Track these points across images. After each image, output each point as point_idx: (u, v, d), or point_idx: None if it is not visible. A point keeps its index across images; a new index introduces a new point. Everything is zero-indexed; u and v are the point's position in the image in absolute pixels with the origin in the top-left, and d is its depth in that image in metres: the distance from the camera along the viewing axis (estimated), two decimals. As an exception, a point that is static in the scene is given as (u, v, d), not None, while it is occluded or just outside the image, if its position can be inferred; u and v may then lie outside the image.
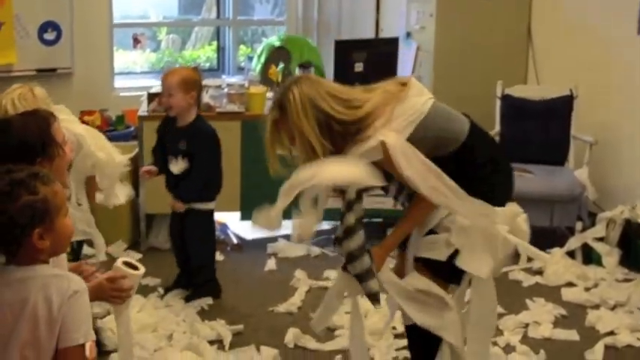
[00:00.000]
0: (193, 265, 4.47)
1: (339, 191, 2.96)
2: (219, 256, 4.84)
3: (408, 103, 2.92)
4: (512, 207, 3.02)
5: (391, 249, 3.06)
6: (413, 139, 2.85)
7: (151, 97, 5.06)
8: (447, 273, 2.99)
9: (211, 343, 3.90)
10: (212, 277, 4.51)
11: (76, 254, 3.94)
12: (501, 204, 2.98)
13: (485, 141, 3.10)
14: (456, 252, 2.93)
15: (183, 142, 4.26)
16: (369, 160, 2.82)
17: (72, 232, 2.16)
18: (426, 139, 2.88)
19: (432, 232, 2.98)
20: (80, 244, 4.12)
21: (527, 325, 4.13)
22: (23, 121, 2.48)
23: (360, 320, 3.19)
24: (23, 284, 2.05)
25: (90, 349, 2.18)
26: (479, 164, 2.98)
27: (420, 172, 2.79)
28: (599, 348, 3.87)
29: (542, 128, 5.54)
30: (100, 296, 2.45)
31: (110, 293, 2.45)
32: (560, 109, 5.53)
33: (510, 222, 2.96)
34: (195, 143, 4.26)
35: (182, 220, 4.42)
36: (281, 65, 5.63)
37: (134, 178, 4.95)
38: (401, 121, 2.87)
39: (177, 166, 4.26)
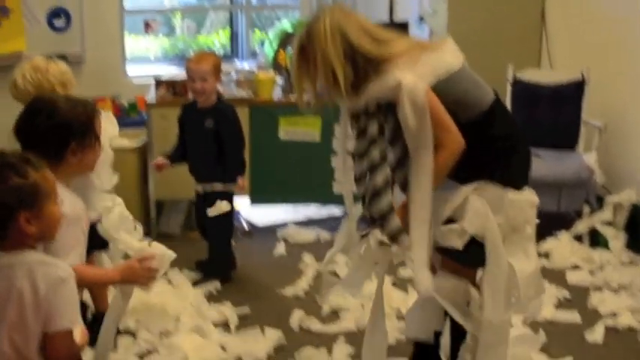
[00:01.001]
0: (211, 247, 4.56)
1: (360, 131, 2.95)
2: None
3: (439, 54, 2.87)
4: (528, 193, 2.97)
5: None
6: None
7: (159, 84, 5.09)
8: (471, 259, 2.95)
9: (217, 325, 3.95)
10: (227, 261, 4.59)
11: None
12: (516, 186, 2.93)
13: (506, 118, 3.04)
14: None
15: (210, 121, 4.33)
16: (384, 100, 2.79)
17: (59, 220, 2.18)
18: (447, 98, 2.79)
19: (451, 221, 2.93)
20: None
21: (530, 307, 4.14)
22: (71, 103, 2.52)
23: (381, 300, 3.20)
24: (10, 269, 2.09)
25: (81, 335, 2.24)
26: (496, 136, 2.91)
27: (423, 132, 2.75)
28: (599, 329, 3.88)
29: (553, 113, 5.52)
30: (130, 277, 2.52)
31: (140, 273, 2.51)
32: (571, 93, 5.50)
33: (517, 210, 2.92)
34: (222, 121, 4.34)
35: (205, 203, 4.47)
36: (290, 49, 5.65)
37: (143, 165, 5.00)
38: (426, 68, 2.80)
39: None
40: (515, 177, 2.95)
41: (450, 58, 2.88)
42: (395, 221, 2.85)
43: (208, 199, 4.42)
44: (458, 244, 2.90)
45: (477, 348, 2.98)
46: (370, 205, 2.89)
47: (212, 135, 4.34)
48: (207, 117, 4.33)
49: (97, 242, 3.34)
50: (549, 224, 4.68)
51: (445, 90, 2.80)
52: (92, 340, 2.54)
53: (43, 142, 2.45)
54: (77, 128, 2.48)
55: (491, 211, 2.87)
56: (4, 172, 2.05)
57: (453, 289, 2.98)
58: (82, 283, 2.42)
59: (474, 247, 2.89)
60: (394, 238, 2.86)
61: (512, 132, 3.01)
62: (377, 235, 2.91)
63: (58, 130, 2.45)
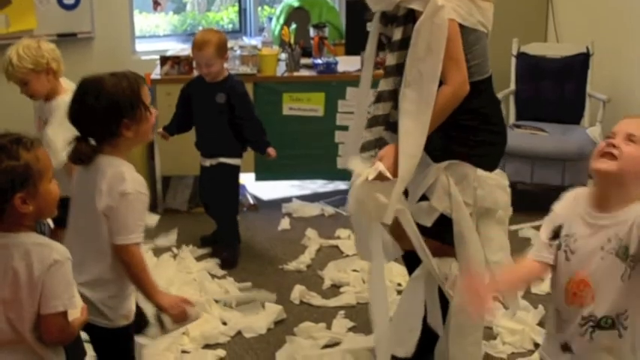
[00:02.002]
0: (218, 222, 4.62)
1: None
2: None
3: (481, 6, 2.88)
4: (498, 176, 3.00)
5: None
6: None
7: (164, 60, 5.13)
8: (446, 235, 2.98)
9: (219, 300, 4.01)
10: (235, 235, 4.62)
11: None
12: (486, 168, 2.96)
13: (492, 99, 3.05)
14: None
15: (221, 95, 4.34)
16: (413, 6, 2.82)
17: (57, 196, 2.20)
18: None
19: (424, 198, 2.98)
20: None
21: (531, 281, 4.16)
22: (115, 80, 2.51)
23: (382, 270, 3.13)
24: (6, 250, 2.12)
25: (82, 311, 2.28)
26: (475, 110, 2.92)
27: (432, 58, 2.76)
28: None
29: (558, 86, 5.53)
30: (164, 300, 2.53)
31: (175, 309, 2.53)
32: (576, 67, 5.51)
33: (489, 188, 2.95)
34: (234, 95, 4.36)
35: (210, 176, 4.52)
36: (293, 25, 5.68)
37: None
38: (463, 9, 2.82)
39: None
40: (487, 158, 2.98)
41: (486, 18, 2.92)
42: None
43: (215, 172, 4.46)
44: (427, 221, 2.95)
45: (449, 331, 3.04)
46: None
47: (223, 109, 4.35)
48: (217, 91, 4.35)
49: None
50: (553, 199, 4.68)
51: (463, 40, 2.83)
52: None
53: (97, 124, 2.49)
54: (125, 104, 2.48)
55: (459, 189, 2.91)
56: None
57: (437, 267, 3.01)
58: (133, 271, 2.50)
59: (448, 225, 2.95)
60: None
61: (493, 114, 3.03)
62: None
63: (107, 110, 2.46)
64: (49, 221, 2.77)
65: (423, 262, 3.03)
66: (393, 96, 2.93)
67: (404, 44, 2.87)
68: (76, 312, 2.25)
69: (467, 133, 2.92)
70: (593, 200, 2.23)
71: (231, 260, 4.47)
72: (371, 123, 3.01)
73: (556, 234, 2.31)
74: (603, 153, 2.16)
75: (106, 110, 2.46)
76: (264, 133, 4.45)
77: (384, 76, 2.98)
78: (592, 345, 2.22)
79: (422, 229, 2.98)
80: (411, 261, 3.18)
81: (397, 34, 2.91)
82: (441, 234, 2.97)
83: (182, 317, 2.56)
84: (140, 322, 2.83)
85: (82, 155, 2.50)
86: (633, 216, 2.13)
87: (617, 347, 2.21)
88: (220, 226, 4.65)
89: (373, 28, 3.13)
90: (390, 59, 2.94)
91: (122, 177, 2.46)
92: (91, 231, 2.50)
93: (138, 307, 2.70)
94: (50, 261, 2.11)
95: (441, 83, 2.80)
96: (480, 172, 2.94)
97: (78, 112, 2.52)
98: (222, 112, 4.36)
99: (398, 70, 2.90)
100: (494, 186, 2.96)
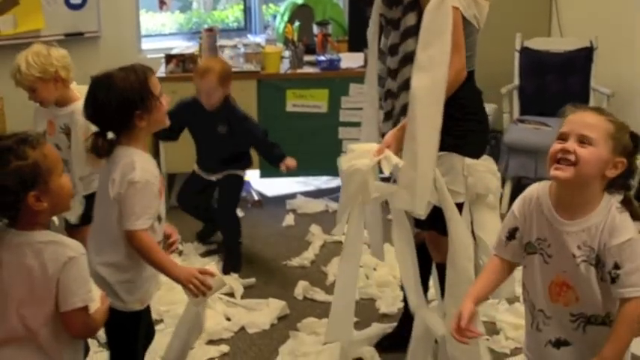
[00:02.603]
0: (222, 229, 4.61)
1: None
2: (239, 213, 4.91)
3: (476, 0, 2.94)
4: (486, 162, 3.05)
5: None
6: None
7: (169, 58, 5.16)
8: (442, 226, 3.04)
9: (224, 295, 4.03)
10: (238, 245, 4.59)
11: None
12: (474, 155, 3.02)
13: (475, 90, 3.11)
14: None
15: (222, 127, 4.30)
16: None
17: (70, 190, 2.26)
18: None
19: None
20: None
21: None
22: (123, 75, 2.61)
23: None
24: (20, 249, 2.16)
25: (101, 299, 2.35)
26: (459, 101, 2.97)
27: (441, 43, 2.83)
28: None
29: (561, 81, 5.53)
30: (182, 275, 2.63)
31: (193, 280, 2.62)
32: (580, 61, 5.50)
33: (479, 175, 3.01)
34: (236, 123, 4.30)
35: (212, 185, 4.55)
36: (297, 23, 5.70)
37: (154, 139, 5.08)
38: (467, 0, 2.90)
39: None
40: (473, 146, 3.04)
41: (481, 15, 2.98)
42: None
43: (221, 182, 4.49)
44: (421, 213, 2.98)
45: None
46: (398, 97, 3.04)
47: (226, 139, 4.32)
48: (219, 123, 4.29)
49: None
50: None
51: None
52: None
53: (111, 118, 2.61)
54: (135, 97, 2.58)
55: (448, 179, 2.96)
56: (3, 156, 2.10)
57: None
58: (145, 255, 2.60)
59: (442, 215, 3.00)
60: None
61: (476, 104, 3.10)
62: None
63: (119, 105, 2.57)
64: (55, 219, 2.84)
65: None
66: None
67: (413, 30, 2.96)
68: (95, 303, 2.29)
69: (453, 122, 2.95)
70: (557, 204, 2.23)
71: (237, 268, 4.44)
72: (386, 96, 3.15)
73: (512, 235, 2.34)
74: (559, 159, 2.15)
75: (118, 105, 2.57)
76: (274, 146, 4.38)
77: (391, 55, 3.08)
78: (587, 337, 2.24)
79: (417, 221, 3.06)
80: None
81: (411, 20, 2.99)
82: (437, 224, 3.02)
83: (203, 288, 2.63)
84: (149, 332, 2.91)
85: (99, 149, 2.62)
86: (597, 223, 2.15)
87: None
88: (224, 235, 4.62)
89: (375, 9, 3.21)
90: (395, 38, 3.05)
91: (132, 166, 2.57)
92: (107, 220, 2.62)
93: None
94: (65, 258, 2.15)
95: None
96: (469, 160, 3.00)
97: (92, 110, 2.63)
98: (226, 141, 4.34)
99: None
100: (485, 172, 3.01)
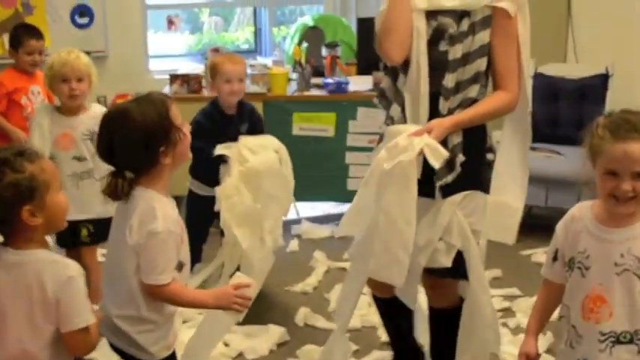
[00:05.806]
0: None
1: None
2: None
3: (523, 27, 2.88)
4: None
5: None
6: None
7: (174, 78, 5.11)
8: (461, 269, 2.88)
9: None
10: None
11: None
12: (489, 190, 2.89)
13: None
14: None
15: (245, 126, 4.19)
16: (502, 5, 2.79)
17: (66, 207, 2.16)
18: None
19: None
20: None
21: (541, 308, 4.07)
22: (141, 109, 2.33)
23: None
24: (18, 268, 2.09)
25: (95, 314, 2.20)
26: (485, 132, 2.86)
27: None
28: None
29: (575, 108, 5.44)
30: (224, 303, 2.43)
31: (233, 300, 2.41)
32: (595, 88, 5.40)
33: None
34: (257, 121, 4.25)
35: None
36: (304, 44, 5.63)
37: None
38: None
39: None
40: (489, 181, 2.89)
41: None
42: None
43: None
44: (447, 261, 2.82)
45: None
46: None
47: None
48: (241, 123, 4.18)
49: None
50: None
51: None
52: None
53: (132, 158, 2.34)
54: (157, 132, 2.32)
55: (474, 220, 2.81)
56: None
57: None
58: (176, 303, 2.43)
59: (460, 258, 2.84)
60: None
61: (486, 132, 2.91)
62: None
63: (141, 143, 2.31)
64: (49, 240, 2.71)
65: None
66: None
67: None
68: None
69: (475, 156, 2.80)
70: (601, 216, 2.23)
71: None
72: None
73: (555, 256, 2.35)
74: (616, 195, 2.16)
75: (140, 144, 2.30)
76: None
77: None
78: None
79: (437, 271, 2.87)
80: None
81: (485, 37, 2.76)
82: (460, 269, 2.86)
83: (246, 302, 2.45)
84: None
85: (118, 192, 2.34)
86: None
87: None
88: None
89: (419, 26, 2.78)
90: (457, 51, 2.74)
91: (153, 214, 2.31)
92: (124, 268, 2.37)
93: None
94: (65, 278, 2.08)
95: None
96: (488, 197, 2.87)
97: (108, 149, 2.35)
98: None
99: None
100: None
